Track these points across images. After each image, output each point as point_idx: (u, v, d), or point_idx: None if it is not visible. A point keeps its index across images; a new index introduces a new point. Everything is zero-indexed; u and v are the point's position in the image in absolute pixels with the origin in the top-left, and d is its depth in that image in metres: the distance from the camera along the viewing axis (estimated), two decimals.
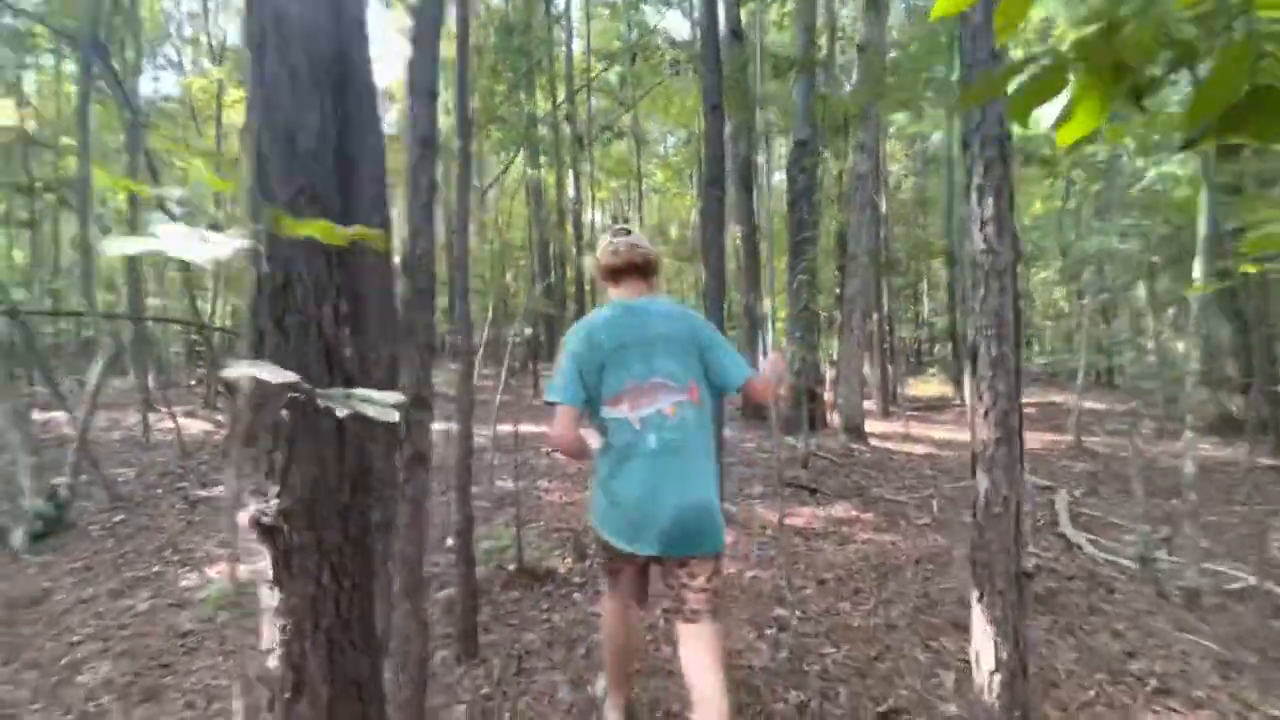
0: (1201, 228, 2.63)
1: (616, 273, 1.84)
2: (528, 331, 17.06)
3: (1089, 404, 14.20)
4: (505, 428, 7.52)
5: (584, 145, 8.56)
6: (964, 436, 8.58)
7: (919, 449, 7.19)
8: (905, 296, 20.55)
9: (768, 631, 2.67)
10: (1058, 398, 14.83)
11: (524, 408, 10.19)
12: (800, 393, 6.95)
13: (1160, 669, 2.24)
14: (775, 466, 5.59)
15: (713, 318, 4.35)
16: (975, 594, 1.71)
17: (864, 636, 2.59)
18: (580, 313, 15.26)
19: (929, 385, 16.91)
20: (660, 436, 1.63)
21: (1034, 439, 8.73)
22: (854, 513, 4.49)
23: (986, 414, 1.69)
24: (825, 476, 5.57)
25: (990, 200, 1.67)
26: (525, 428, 8.44)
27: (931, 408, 12.30)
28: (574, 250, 15.45)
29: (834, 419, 7.21)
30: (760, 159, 7.91)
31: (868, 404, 9.07)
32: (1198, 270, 2.66)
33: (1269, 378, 7.63)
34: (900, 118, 10.96)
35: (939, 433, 8.87)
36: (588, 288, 13.99)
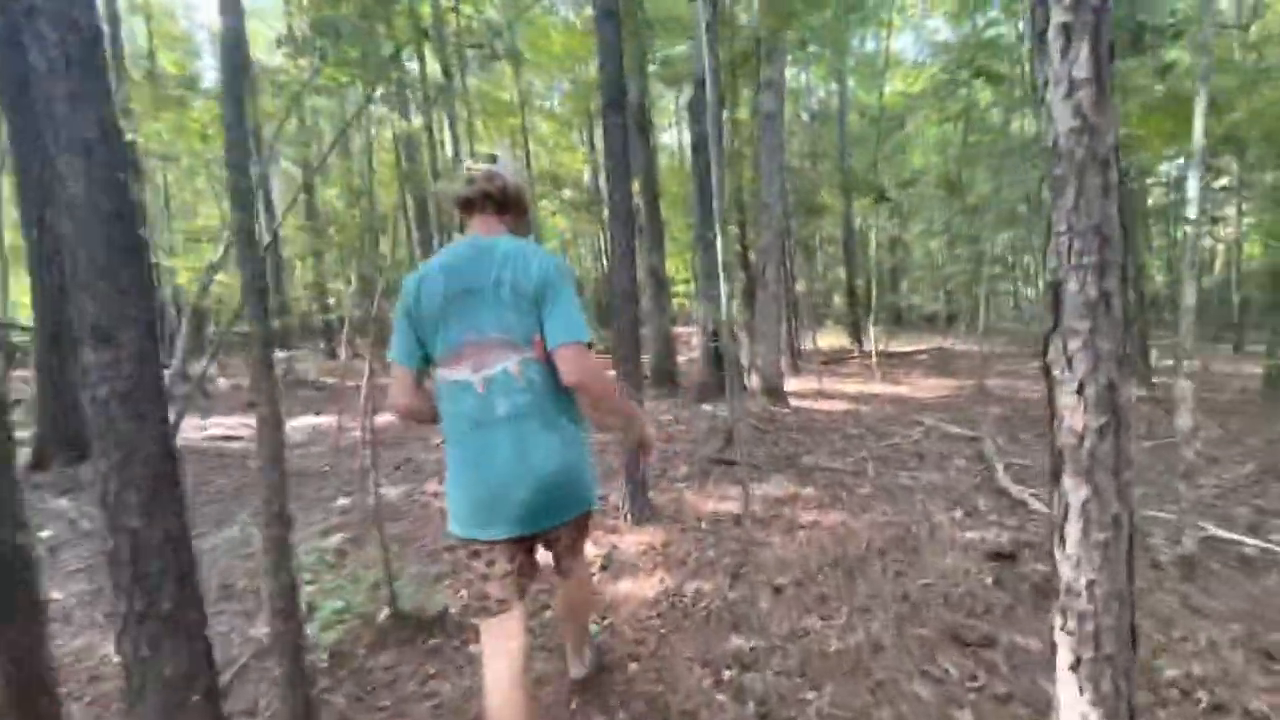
0: (1198, 133, 2.23)
1: (468, 204, 1.55)
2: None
3: (968, 347, 15.05)
4: (384, 418, 6.45)
5: (451, 76, 7.34)
6: (876, 389, 8.52)
7: (838, 405, 6.95)
8: (800, 250, 20.82)
9: (726, 673, 2.07)
10: (943, 343, 15.62)
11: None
12: (713, 356, 6.44)
13: (1198, 671, 1.85)
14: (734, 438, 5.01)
15: (623, 277, 3.62)
16: (1067, 660, 1.14)
17: (847, 666, 2.05)
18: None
19: (826, 337, 17.28)
20: (510, 400, 1.42)
21: (933, 385, 8.86)
22: (791, 488, 4.01)
23: (1081, 390, 1.09)
24: (752, 447, 5.09)
25: (1084, 48, 1.04)
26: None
27: (834, 360, 12.41)
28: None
29: (752, 381, 6.78)
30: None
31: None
32: (1193, 189, 2.26)
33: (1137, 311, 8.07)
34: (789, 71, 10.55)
35: (850, 386, 8.77)
36: None
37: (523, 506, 1.41)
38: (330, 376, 11.88)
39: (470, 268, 1.43)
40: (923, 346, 14.94)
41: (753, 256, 7.27)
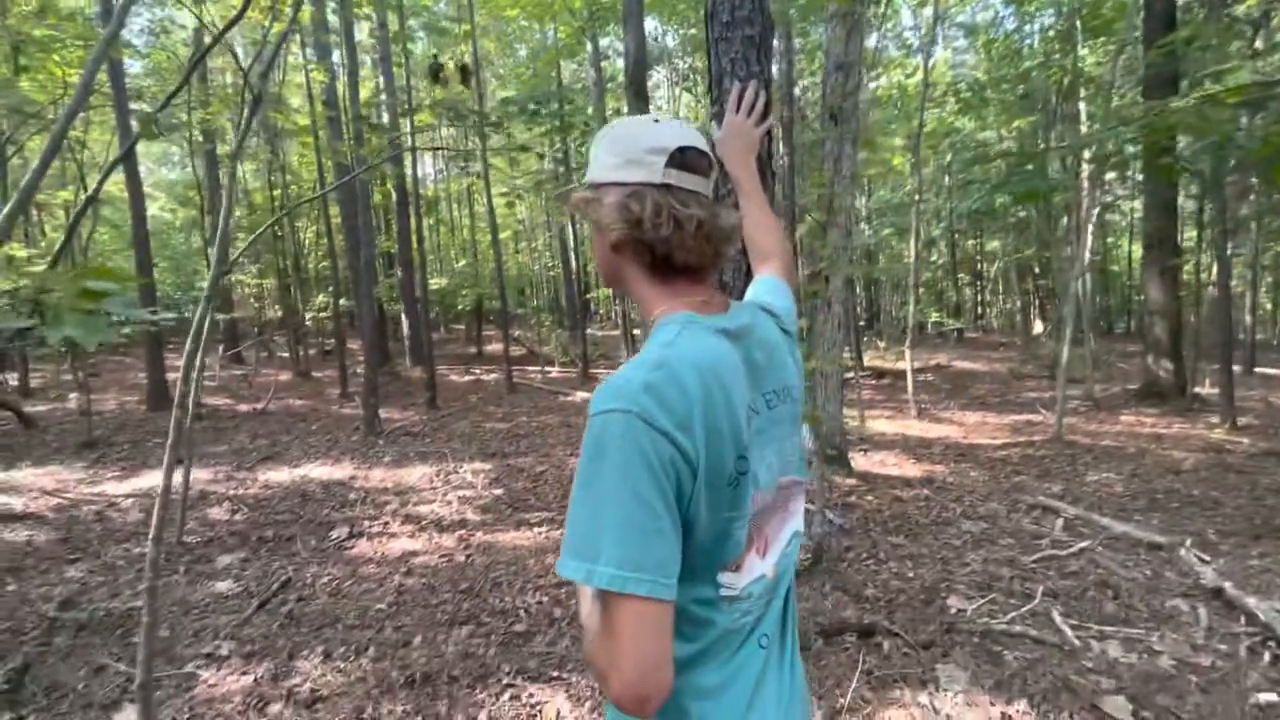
0: None
1: (674, 256, 0.76)
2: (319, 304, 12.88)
3: (970, 365, 13.64)
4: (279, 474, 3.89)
5: None
6: (918, 428, 6.87)
7: (904, 466, 5.22)
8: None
9: None
10: (938, 359, 14.31)
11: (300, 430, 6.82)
12: None
13: None
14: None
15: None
16: None
17: None
18: (411, 279, 11.53)
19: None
20: (785, 589, 0.84)
21: (983, 425, 7.28)
22: (987, 702, 2.18)
23: None
24: (849, 568, 3.25)
25: None
26: (305, 473, 4.52)
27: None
28: (398, 195, 11.63)
29: (805, 440, 4.95)
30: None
31: None
32: None
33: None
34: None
35: (888, 425, 7.10)
36: (429, 246, 10.42)
37: None
38: (225, 395, 9.37)
39: (749, 373, 0.75)
40: (918, 364, 13.58)
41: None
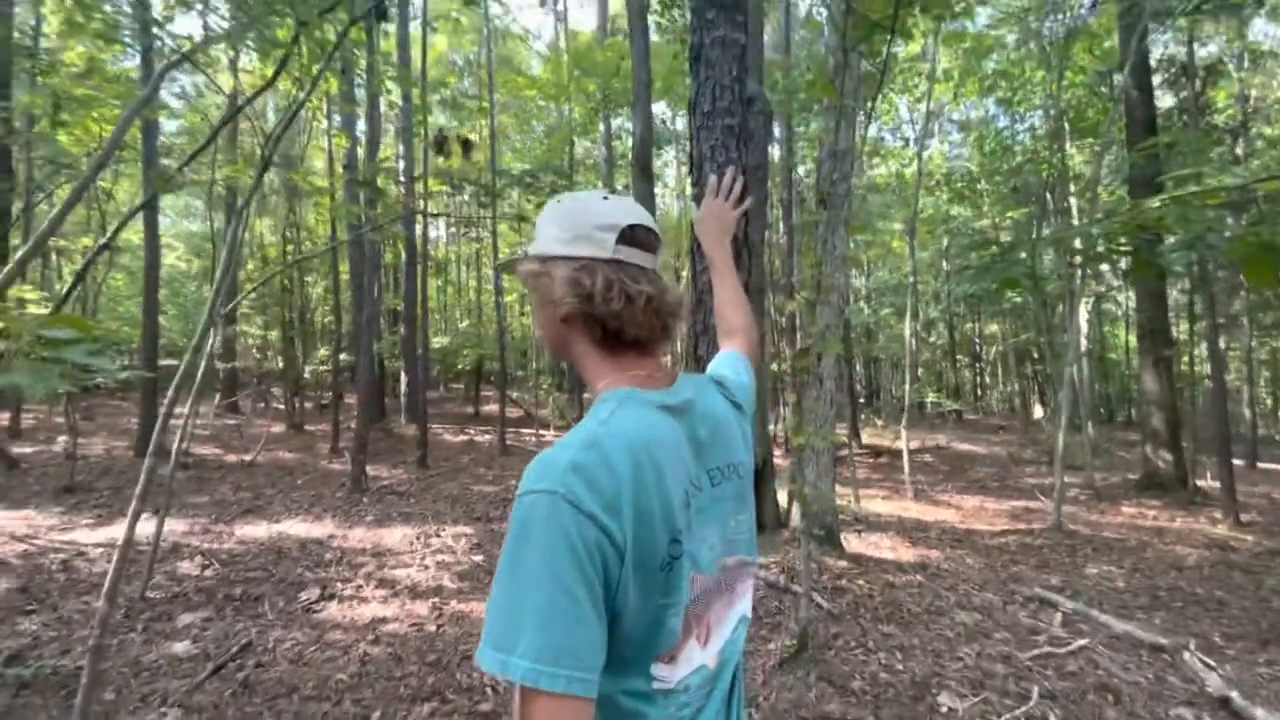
0: None
1: (624, 330, 0.77)
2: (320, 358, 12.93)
3: (970, 447, 13.51)
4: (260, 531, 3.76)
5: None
6: (915, 510, 6.72)
7: (899, 550, 5.07)
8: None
9: None
10: (937, 438, 14.19)
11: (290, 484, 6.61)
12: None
13: None
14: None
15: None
16: None
17: None
18: (413, 337, 11.66)
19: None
20: (730, 674, 0.81)
21: (981, 509, 7.13)
22: None
23: None
24: (835, 657, 3.10)
25: None
26: (290, 526, 4.35)
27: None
28: (404, 247, 11.93)
29: (792, 512, 4.85)
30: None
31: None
32: None
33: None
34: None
35: (883, 506, 6.95)
36: (422, 298, 10.60)
37: None
38: (215, 445, 9.28)
39: (692, 453, 0.75)
40: (916, 444, 13.46)
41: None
